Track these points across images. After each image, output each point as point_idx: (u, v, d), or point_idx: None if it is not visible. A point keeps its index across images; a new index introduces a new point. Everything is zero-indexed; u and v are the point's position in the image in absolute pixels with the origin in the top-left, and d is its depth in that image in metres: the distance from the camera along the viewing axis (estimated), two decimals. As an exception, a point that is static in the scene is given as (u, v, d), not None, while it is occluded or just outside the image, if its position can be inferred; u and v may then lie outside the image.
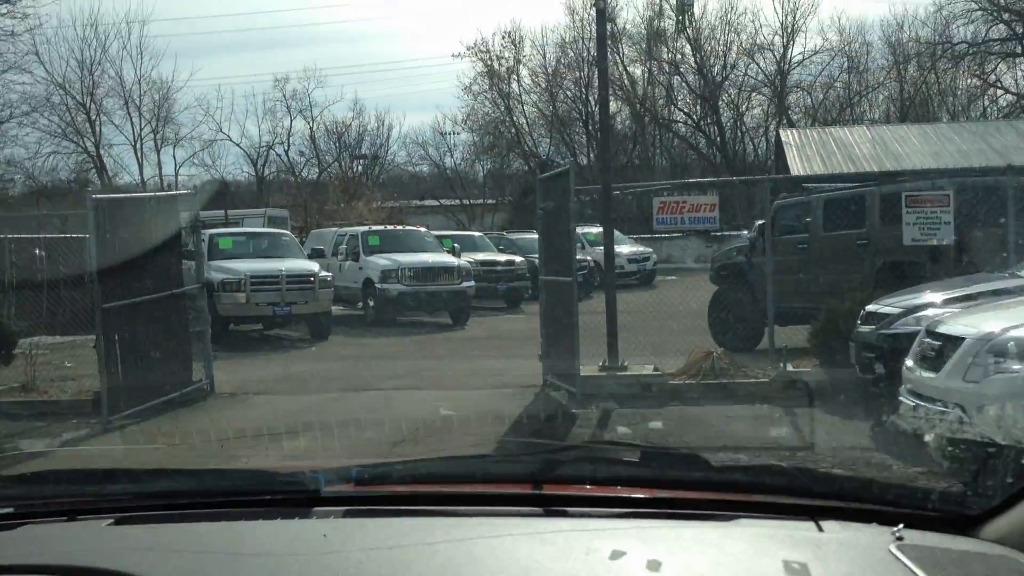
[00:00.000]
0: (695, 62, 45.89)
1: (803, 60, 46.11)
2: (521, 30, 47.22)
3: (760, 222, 25.95)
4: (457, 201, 45.69)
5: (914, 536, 1.63)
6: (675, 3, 44.46)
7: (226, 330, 15.70)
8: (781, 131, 38.71)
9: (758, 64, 46.00)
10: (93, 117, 42.23)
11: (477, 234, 26.41)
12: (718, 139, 46.68)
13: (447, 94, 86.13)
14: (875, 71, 46.22)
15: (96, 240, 9.17)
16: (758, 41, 45.73)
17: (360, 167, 46.75)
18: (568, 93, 47.37)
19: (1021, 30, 40.12)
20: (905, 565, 1.54)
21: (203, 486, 2.05)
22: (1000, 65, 42.04)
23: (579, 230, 12.88)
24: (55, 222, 20.40)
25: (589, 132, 47.52)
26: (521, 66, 46.42)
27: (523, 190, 43.16)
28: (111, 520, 1.86)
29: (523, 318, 19.35)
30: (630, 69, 45.36)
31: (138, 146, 43.84)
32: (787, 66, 45.94)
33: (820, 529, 1.69)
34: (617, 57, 42.89)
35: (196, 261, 11.45)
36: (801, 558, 1.55)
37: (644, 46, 45.34)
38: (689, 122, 48.02)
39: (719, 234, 32.01)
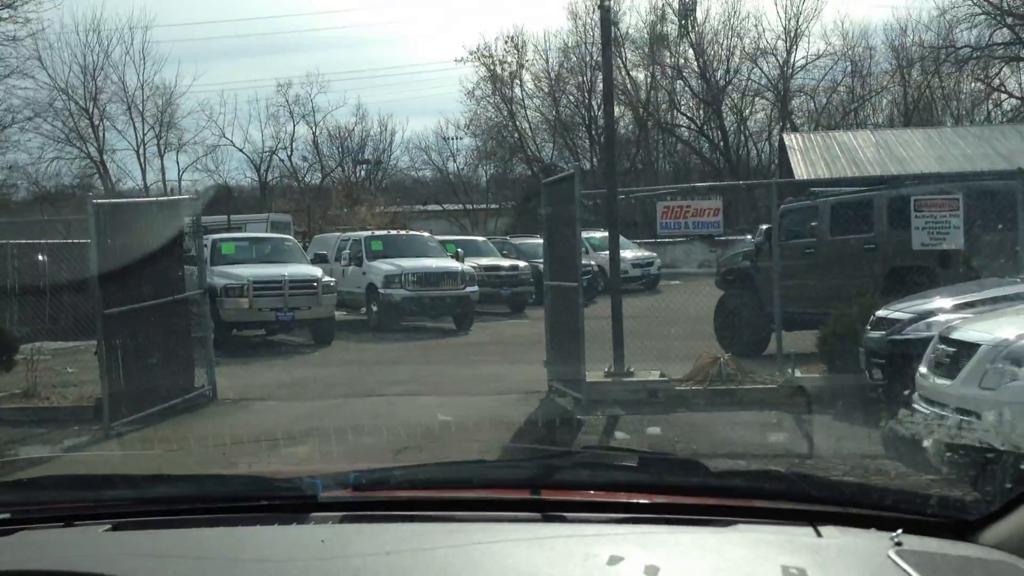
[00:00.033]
0: (698, 67, 45.87)
1: (806, 64, 46.11)
2: (524, 35, 47.22)
3: (765, 227, 25.88)
4: (460, 206, 45.66)
5: (913, 541, 1.62)
6: (677, 8, 44.70)
7: (229, 335, 15.64)
8: (784, 135, 38.66)
9: (761, 69, 46.01)
10: (96, 122, 42.31)
11: (481, 239, 26.33)
12: (721, 144, 46.61)
13: (450, 99, 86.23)
14: (878, 75, 46.22)
15: (97, 245, 9.10)
16: (761, 45, 45.74)
17: (363, 172, 46.78)
18: (571, 98, 47.38)
19: (1025, 34, 40.03)
20: (904, 570, 1.53)
21: (201, 492, 2.04)
22: (1004, 69, 41.98)
23: (583, 235, 12.80)
24: (59, 227, 20.39)
25: (592, 137, 47.49)
26: (524, 71, 46.48)
27: (526, 195, 43.15)
28: (109, 526, 1.85)
29: (527, 323, 19.27)
30: (633, 74, 45.36)
31: (141, 151, 43.91)
32: (790, 70, 45.91)
33: (819, 534, 1.68)
34: (620, 61, 42.85)
35: (198, 266, 11.38)
36: (800, 564, 1.55)
37: (647, 51, 45.31)
38: (692, 127, 47.97)
39: (723, 239, 32.04)
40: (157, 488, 2.08)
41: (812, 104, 47.20)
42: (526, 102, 47.10)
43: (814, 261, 12.10)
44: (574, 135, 47.80)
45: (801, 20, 45.58)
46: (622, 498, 1.84)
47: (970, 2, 39.06)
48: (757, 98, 46.54)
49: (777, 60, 45.83)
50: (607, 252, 21.87)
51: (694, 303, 12.94)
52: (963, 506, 1.79)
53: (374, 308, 18.57)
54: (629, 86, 44.37)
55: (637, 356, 10.57)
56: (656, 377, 10.02)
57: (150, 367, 9.83)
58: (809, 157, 34.19)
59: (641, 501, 1.83)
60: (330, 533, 1.75)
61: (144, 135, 43.84)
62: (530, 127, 47.37)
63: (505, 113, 46.56)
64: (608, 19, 10.40)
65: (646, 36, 45.18)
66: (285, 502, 1.90)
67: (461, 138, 47.72)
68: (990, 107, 44.54)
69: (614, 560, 1.58)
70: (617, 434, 8.55)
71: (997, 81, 42.85)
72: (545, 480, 1.93)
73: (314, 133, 47.29)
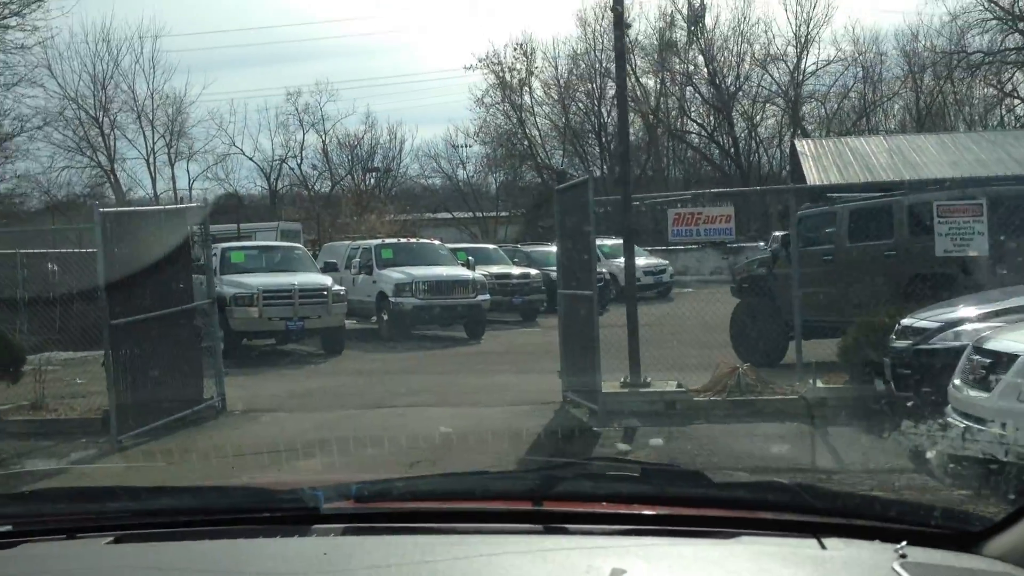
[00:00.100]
0: (708, 73, 45.71)
1: (816, 70, 45.90)
2: (533, 42, 47.02)
3: (779, 233, 25.63)
4: (470, 214, 45.54)
5: (917, 553, 1.62)
6: (687, 14, 44.55)
7: (239, 345, 15.53)
8: (796, 141, 38.44)
9: (771, 75, 45.81)
10: (107, 131, 42.35)
11: (491, 247, 26.16)
12: (732, 150, 46.40)
13: (459, 106, 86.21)
14: (890, 81, 45.97)
15: (104, 254, 8.96)
16: (771, 51, 45.56)
17: (373, 180, 46.70)
18: (580, 105, 47.25)
19: (1037, 39, 39.74)
20: None
21: (203, 504, 2.03)
22: (1016, 74, 41.70)
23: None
24: (71, 236, 20.33)
25: (602, 144, 47.35)
26: (533, 78, 46.37)
27: (537, 202, 43.01)
28: (111, 538, 1.84)
29: (539, 331, 19.10)
30: (643, 80, 45.20)
31: (151, 160, 43.94)
32: (801, 76, 45.70)
33: (823, 546, 1.67)
34: (630, 68, 42.67)
35: (206, 275, 11.24)
36: (804, 575, 1.55)
37: (656, 57, 45.18)
38: (702, 133, 47.78)
39: (735, 245, 31.87)
40: (159, 500, 2.08)
41: (823, 110, 47.01)
42: (535, 109, 47.06)
43: (832, 268, 11.88)
44: (584, 142, 47.67)
45: (812, 26, 45.49)
46: (624, 509, 1.83)
47: (981, 7, 38.88)
48: (768, 104, 46.38)
49: (787, 66, 45.70)
50: (618, 259, 21.93)
51: (708, 311, 12.75)
52: (967, 518, 1.79)
53: (384, 317, 18.41)
54: (639, 93, 44.20)
55: (652, 365, 10.37)
56: (673, 388, 9.81)
57: (158, 378, 9.68)
58: (821, 163, 33.96)
59: (644, 512, 1.81)
60: (332, 545, 1.75)
61: (154, 144, 43.94)
62: (540, 134, 47.31)
63: (514, 120, 46.48)
64: (621, 23, 10.23)
65: (655, 43, 45.08)
66: (287, 514, 1.88)
67: (471, 146, 47.70)
68: (1003, 112, 44.26)
69: (616, 572, 1.57)
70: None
71: (1010, 86, 42.61)
72: (547, 491, 1.92)
73: (324, 141, 47.36)
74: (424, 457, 7.52)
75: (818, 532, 1.71)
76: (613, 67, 43.65)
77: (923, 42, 43.96)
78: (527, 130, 46.63)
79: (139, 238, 9.74)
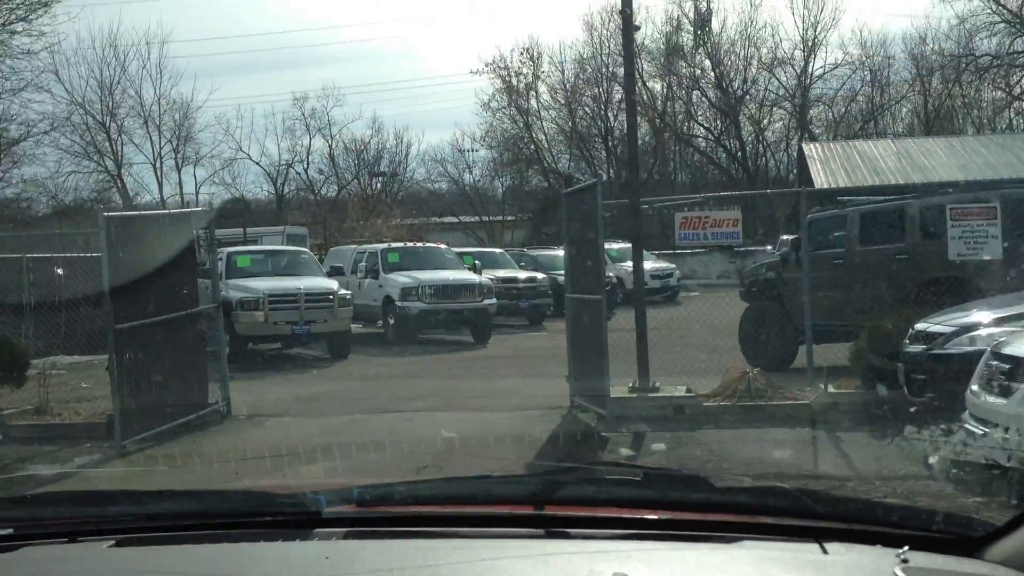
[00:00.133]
0: (715, 77, 45.60)
1: (824, 74, 45.76)
2: (539, 46, 46.89)
3: (786, 237, 25.45)
4: (476, 218, 45.48)
5: (919, 558, 1.62)
6: (693, 18, 44.47)
7: (244, 349, 15.48)
8: (803, 145, 38.31)
9: (778, 79, 45.67)
10: (114, 137, 42.39)
11: (498, 251, 26.09)
12: (739, 154, 46.27)
13: (466, 111, 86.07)
14: (898, 84, 45.81)
15: (108, 259, 8.89)
16: (778, 55, 45.42)
17: (379, 184, 46.71)
18: (587, 109, 47.18)
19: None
20: None
21: (204, 507, 2.03)
22: (1025, 77, 41.50)
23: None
24: (78, 241, 20.32)
25: (609, 148, 47.27)
26: (540, 82, 46.31)
27: (543, 206, 42.92)
28: (112, 542, 1.84)
29: (546, 335, 19.02)
30: (649, 85, 45.10)
31: (158, 165, 43.97)
32: (808, 80, 45.56)
33: (824, 551, 1.67)
34: (636, 72, 42.59)
35: (212, 279, 11.16)
36: None
37: (663, 61, 45.09)
38: (709, 137, 47.67)
39: (742, 249, 31.73)
40: (161, 504, 2.07)
41: (830, 114, 46.86)
42: (542, 113, 47.00)
43: (843, 272, 11.76)
44: (590, 146, 47.59)
45: (819, 29, 45.34)
46: (626, 514, 1.83)
47: (989, 10, 38.73)
48: (775, 108, 46.24)
49: (795, 70, 45.55)
50: (625, 263, 21.85)
51: (716, 315, 12.65)
52: (969, 523, 1.79)
53: (391, 321, 18.33)
54: (646, 97, 44.10)
55: (660, 370, 10.28)
56: (682, 392, 9.71)
57: (163, 383, 9.61)
58: (829, 167, 33.83)
59: (645, 517, 1.81)
60: (334, 549, 1.74)
61: (161, 149, 43.97)
62: (546, 139, 47.23)
63: (521, 125, 46.42)
64: (630, 25, 10.14)
65: (662, 47, 44.99)
66: (289, 518, 1.88)
67: (477, 150, 47.67)
68: (1012, 115, 44.06)
69: None
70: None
71: (1018, 89, 42.39)
72: (549, 496, 1.91)
73: (330, 146, 47.35)
74: (430, 462, 7.44)
75: (820, 537, 1.70)
76: (619, 71, 43.73)
77: (931, 45, 43.86)
78: (533, 134, 46.57)
79: (144, 242, 9.68)
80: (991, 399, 5.63)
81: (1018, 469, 5.46)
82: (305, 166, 47.70)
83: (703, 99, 46.91)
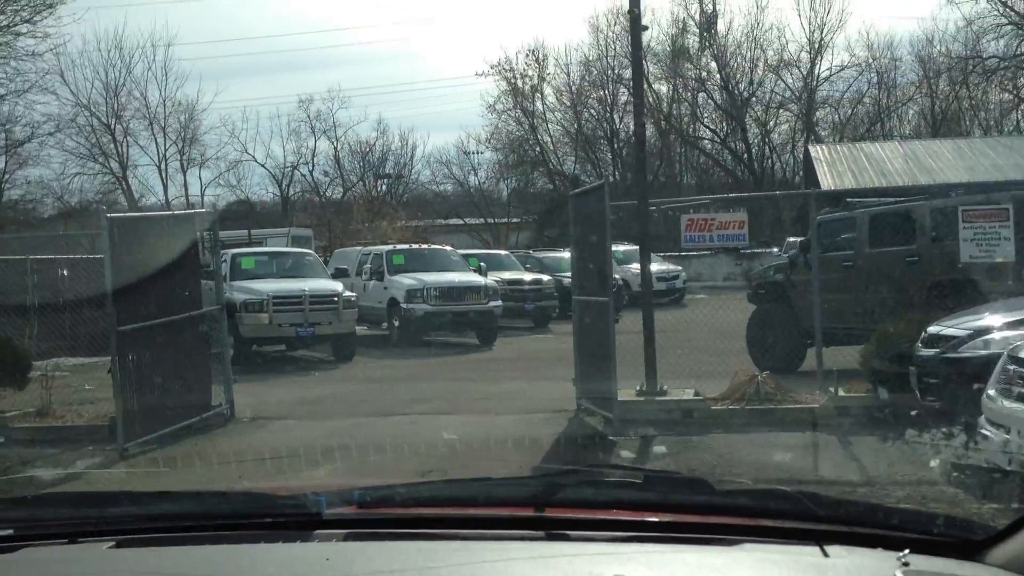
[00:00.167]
0: (721, 79, 45.48)
1: (830, 76, 45.61)
2: (545, 48, 46.90)
3: (793, 239, 25.25)
4: (482, 220, 45.40)
5: (920, 562, 1.62)
6: (699, 20, 44.36)
7: (248, 351, 15.40)
8: (810, 147, 38.21)
9: (784, 81, 45.54)
10: (119, 138, 42.40)
11: (503, 252, 25.98)
12: (745, 156, 46.13)
13: (471, 113, 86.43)
14: (904, 86, 45.66)
15: (111, 260, 8.81)
16: (785, 57, 45.29)
17: (384, 186, 46.65)
18: (592, 111, 47.09)
19: (1053, 44, 39.36)
20: None
21: (205, 509, 2.02)
22: (1032, 79, 41.31)
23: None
24: (83, 242, 20.28)
25: (614, 150, 47.17)
26: (545, 84, 46.23)
27: (549, 208, 42.82)
28: (112, 543, 1.84)
29: (552, 338, 18.91)
30: (655, 86, 45.00)
31: (163, 167, 43.96)
32: (815, 82, 45.42)
33: (825, 554, 1.67)
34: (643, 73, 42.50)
35: (215, 281, 11.09)
36: None
37: (669, 64, 44.98)
38: (715, 139, 47.54)
39: (748, 251, 31.58)
40: (161, 505, 2.08)
41: (836, 116, 46.72)
42: (547, 116, 46.90)
43: (852, 274, 11.65)
44: (596, 149, 47.49)
45: (825, 31, 45.20)
46: (627, 516, 1.83)
47: (997, 12, 38.56)
48: (781, 110, 46.10)
49: (801, 72, 45.41)
50: (631, 265, 21.73)
51: (723, 317, 12.53)
52: (970, 526, 1.79)
53: (396, 323, 18.24)
54: (651, 99, 43.99)
55: (666, 373, 10.17)
56: (690, 396, 9.59)
57: (166, 385, 9.53)
58: (836, 168, 33.71)
59: (646, 519, 1.81)
60: (335, 551, 1.74)
61: (166, 151, 43.96)
62: (552, 141, 47.16)
63: (526, 127, 46.34)
64: (638, 24, 10.04)
65: (668, 49, 44.89)
66: (289, 519, 1.88)
67: (482, 152, 47.59)
68: (1019, 117, 43.88)
69: None
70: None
71: (1026, 91, 42.21)
72: (550, 498, 1.91)
73: (335, 148, 47.31)
74: (436, 466, 7.33)
75: (821, 540, 1.70)
76: (625, 73, 43.78)
77: (938, 47, 43.70)
78: (539, 136, 46.50)
79: (147, 244, 9.60)
80: (1009, 404, 5.53)
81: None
82: (310, 168, 47.74)
83: (709, 101, 46.83)
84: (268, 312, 15.34)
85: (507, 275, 21.27)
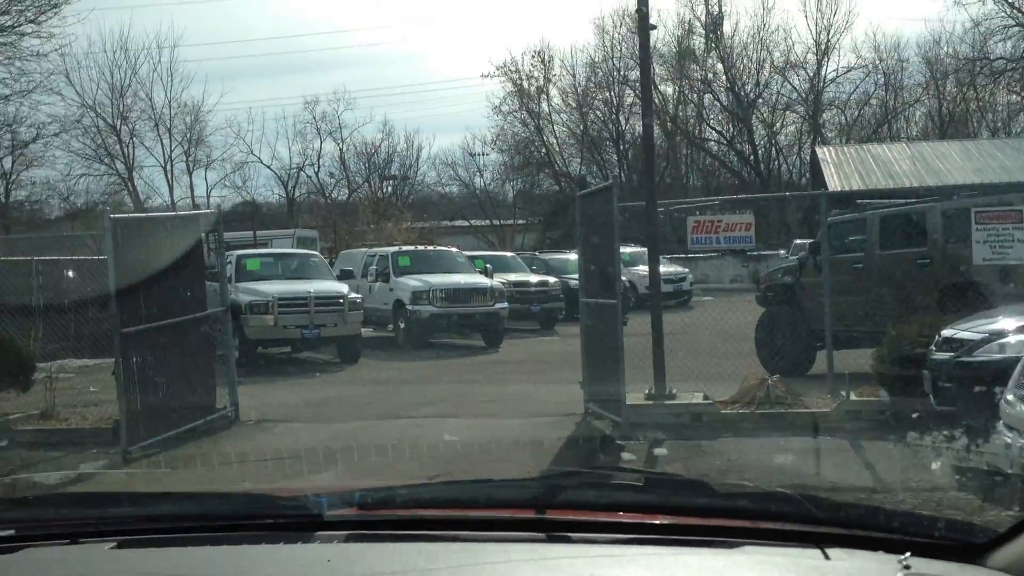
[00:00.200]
0: (727, 80, 45.36)
1: (836, 77, 45.47)
2: (551, 49, 46.80)
3: (799, 241, 25.09)
4: (487, 221, 45.33)
5: (920, 564, 1.62)
6: (705, 21, 44.25)
7: (254, 353, 15.33)
8: (817, 148, 38.07)
9: (791, 82, 45.40)
10: (125, 140, 42.41)
11: (509, 254, 25.90)
12: (751, 157, 45.99)
13: (477, 114, 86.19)
14: (911, 88, 45.49)
15: (115, 261, 8.73)
16: (791, 59, 45.16)
17: (389, 188, 46.63)
18: (598, 113, 46.99)
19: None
20: None
21: (206, 510, 2.03)
22: (1041, 80, 41.10)
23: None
24: (89, 243, 20.24)
25: (620, 151, 47.07)
26: (551, 85, 46.16)
27: (555, 209, 42.73)
28: (113, 543, 1.84)
29: (558, 340, 18.82)
30: (661, 88, 44.88)
31: (168, 168, 43.97)
32: (821, 84, 45.27)
33: (826, 557, 1.67)
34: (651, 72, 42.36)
35: (220, 282, 11.00)
36: None
37: (675, 64, 44.86)
38: (722, 141, 47.41)
39: (755, 253, 31.41)
40: (162, 506, 2.08)
41: (843, 117, 46.56)
42: (553, 117, 46.84)
43: (862, 277, 11.53)
44: (602, 150, 47.39)
45: (832, 33, 45.06)
46: (628, 518, 1.83)
47: (1004, 14, 38.37)
48: (787, 112, 45.97)
49: (807, 73, 45.28)
50: (637, 267, 21.61)
51: (730, 320, 12.43)
52: (971, 529, 1.79)
53: (401, 325, 18.15)
54: (657, 100, 43.90)
55: (674, 375, 10.06)
56: (699, 399, 9.48)
57: (170, 387, 9.44)
58: (843, 170, 33.58)
59: (647, 522, 1.81)
60: (335, 552, 1.74)
61: (171, 152, 43.97)
62: (557, 142, 47.06)
63: (532, 128, 46.30)
64: (646, 23, 9.94)
65: (674, 50, 44.77)
66: (290, 520, 1.88)
67: (488, 154, 47.54)
68: (1027, 119, 43.68)
69: None
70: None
71: (1033, 93, 42.00)
72: (551, 500, 1.92)
73: (341, 149, 47.33)
74: (441, 470, 7.24)
75: (821, 542, 1.70)
76: (631, 75, 43.67)
77: (945, 49, 43.52)
78: (544, 138, 46.42)
79: (151, 245, 9.53)
80: (1028, 409, 5.42)
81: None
82: (316, 169, 47.76)
83: (715, 103, 46.72)
84: (273, 314, 15.27)
85: (513, 277, 21.18)
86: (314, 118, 46.59)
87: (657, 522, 1.80)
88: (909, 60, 45.31)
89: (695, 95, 46.23)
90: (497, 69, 45.69)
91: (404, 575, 1.63)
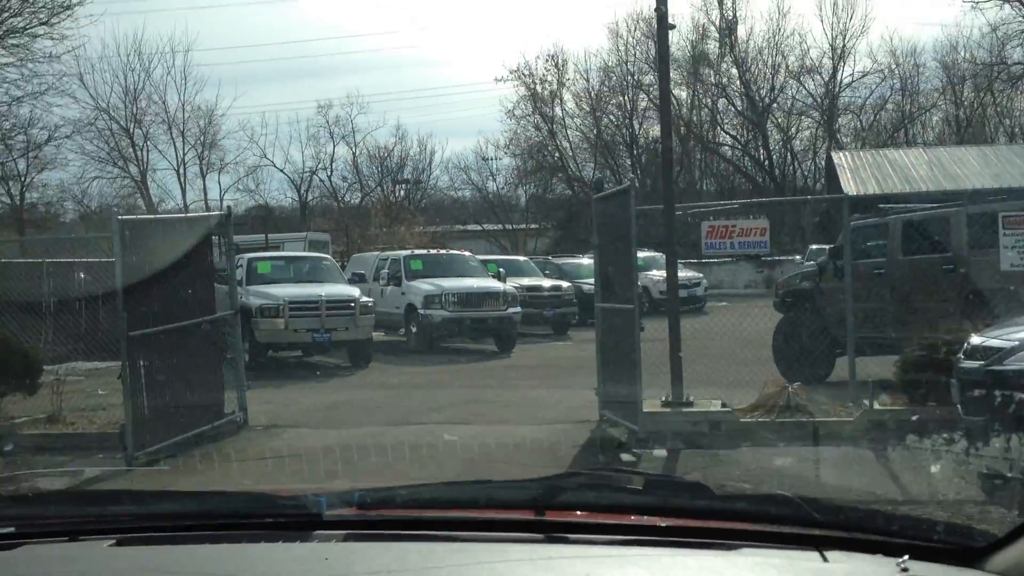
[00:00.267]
0: (741, 84, 45.08)
1: (852, 82, 45.14)
2: (564, 53, 46.52)
3: (815, 246, 24.77)
4: (500, 226, 45.18)
5: (919, 568, 1.62)
6: (720, 25, 43.99)
7: (264, 357, 15.20)
8: (833, 153, 37.79)
9: (806, 87, 45.08)
10: (138, 143, 42.45)
11: (522, 258, 25.73)
12: (766, 162, 45.68)
13: (490, 119, 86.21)
14: (928, 93, 45.12)
15: (122, 264, 8.58)
16: (806, 63, 44.84)
17: (402, 192, 46.54)
18: (612, 117, 46.78)
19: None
20: None
21: (205, 508, 2.03)
22: (1059, 86, 40.70)
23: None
24: (103, 245, 20.17)
25: (633, 156, 46.84)
26: (564, 90, 45.97)
27: (568, 214, 42.53)
28: (113, 541, 1.84)
29: (571, 345, 18.63)
30: (675, 92, 44.62)
31: (181, 171, 43.99)
32: (837, 88, 44.94)
33: (825, 559, 1.67)
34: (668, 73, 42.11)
35: (230, 285, 10.85)
36: None
37: (689, 69, 44.62)
38: (736, 146, 47.13)
39: (770, 259, 31.11)
40: (161, 504, 2.09)
41: (858, 122, 46.20)
42: (567, 121, 46.63)
43: (883, 283, 11.28)
44: (615, 155, 47.18)
45: (848, 37, 44.73)
46: (627, 520, 1.83)
47: (1022, 18, 37.97)
48: (803, 116, 45.64)
49: (823, 78, 44.95)
50: (651, 272, 21.38)
51: (746, 326, 12.21)
52: (970, 533, 1.79)
53: (413, 329, 17.99)
54: (672, 104, 43.64)
55: (690, 382, 9.84)
56: (717, 407, 9.25)
57: (178, 392, 9.28)
58: (859, 175, 33.29)
59: (646, 523, 1.82)
60: (334, 551, 1.75)
61: (185, 155, 43.99)
62: (571, 147, 46.87)
63: (545, 132, 46.09)
64: (665, 23, 9.74)
65: (688, 54, 44.52)
66: (289, 519, 1.88)
67: (500, 158, 47.37)
68: (1045, 124, 43.27)
69: None
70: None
71: (1052, 98, 41.60)
72: (550, 501, 1.91)
73: (354, 153, 47.24)
74: (452, 478, 7.04)
75: (820, 545, 1.70)
76: (645, 79, 43.49)
77: (963, 53, 43.15)
78: (558, 142, 46.23)
79: (160, 247, 9.38)
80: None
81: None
82: (329, 173, 47.69)
83: (729, 107, 46.44)
84: (284, 317, 15.14)
85: (526, 281, 21.01)
86: (327, 122, 46.58)
87: (656, 524, 1.81)
88: (926, 65, 45.01)
89: (709, 100, 45.99)
90: (511, 73, 45.52)
91: (402, 574, 1.63)
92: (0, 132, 31.12)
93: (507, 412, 10.79)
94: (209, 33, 64.47)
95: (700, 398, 9.57)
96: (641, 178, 44.46)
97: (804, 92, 45.13)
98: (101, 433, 9.65)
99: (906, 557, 1.63)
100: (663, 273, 13.83)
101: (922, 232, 11.02)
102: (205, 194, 44.83)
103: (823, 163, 41.97)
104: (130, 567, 1.76)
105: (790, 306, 12.67)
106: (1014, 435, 6.04)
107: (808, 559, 1.67)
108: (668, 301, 10.34)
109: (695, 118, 46.06)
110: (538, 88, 45.35)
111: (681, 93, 45.24)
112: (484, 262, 21.02)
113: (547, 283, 21.57)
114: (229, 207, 15.18)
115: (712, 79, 45.31)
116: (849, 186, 31.70)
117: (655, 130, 43.62)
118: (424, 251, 21.47)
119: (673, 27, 9.76)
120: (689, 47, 44.38)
